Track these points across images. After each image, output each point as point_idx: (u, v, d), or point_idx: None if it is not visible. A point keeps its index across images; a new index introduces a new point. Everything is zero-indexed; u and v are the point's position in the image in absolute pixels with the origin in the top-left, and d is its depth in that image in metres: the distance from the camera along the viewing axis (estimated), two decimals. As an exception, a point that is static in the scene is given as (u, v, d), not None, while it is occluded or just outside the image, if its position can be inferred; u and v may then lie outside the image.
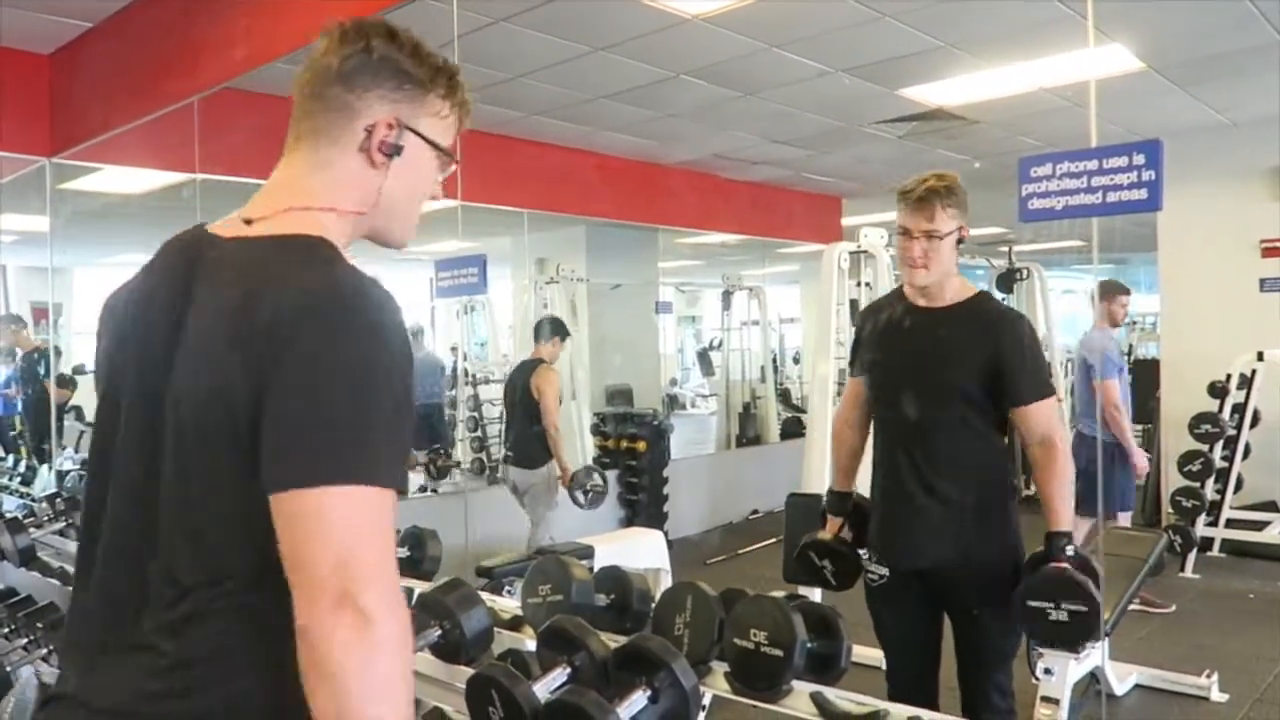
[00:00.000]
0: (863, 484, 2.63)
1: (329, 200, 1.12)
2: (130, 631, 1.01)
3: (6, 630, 2.97)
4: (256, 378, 0.95)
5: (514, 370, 5.22)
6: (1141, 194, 1.96)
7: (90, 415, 6.12)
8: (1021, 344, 2.27)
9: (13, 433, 6.14)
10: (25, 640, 2.91)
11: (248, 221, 1.10)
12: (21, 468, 5.18)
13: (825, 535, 2.58)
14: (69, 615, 1.15)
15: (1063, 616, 2.13)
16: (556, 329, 5.46)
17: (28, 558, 3.26)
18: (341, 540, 0.91)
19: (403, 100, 1.13)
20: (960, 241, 2.33)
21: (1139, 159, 1.97)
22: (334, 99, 1.12)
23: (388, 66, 1.12)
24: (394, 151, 1.13)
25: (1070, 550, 2.22)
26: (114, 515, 1.07)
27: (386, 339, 0.98)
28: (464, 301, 7.77)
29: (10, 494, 4.76)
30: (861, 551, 2.54)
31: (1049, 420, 2.29)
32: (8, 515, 3.51)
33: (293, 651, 0.93)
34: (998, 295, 7.85)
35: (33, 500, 4.31)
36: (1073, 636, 2.19)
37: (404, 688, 0.93)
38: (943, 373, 2.32)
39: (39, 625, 2.90)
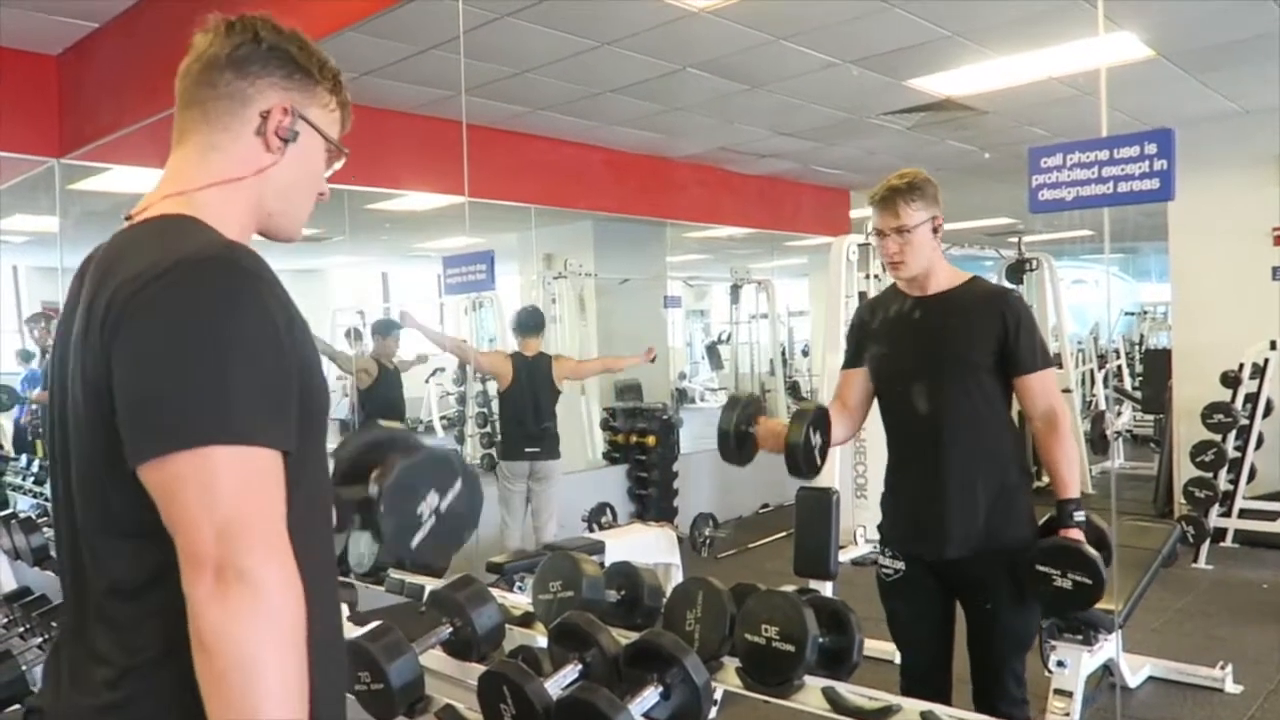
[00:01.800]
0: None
1: (207, 178, 1.11)
2: (82, 643, 1.01)
3: (21, 629, 2.99)
4: (109, 358, 0.94)
5: (519, 362, 5.20)
6: (1153, 184, 1.95)
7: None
8: (1020, 316, 2.32)
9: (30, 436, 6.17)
10: (40, 639, 2.92)
11: (128, 218, 1.11)
12: (35, 467, 5.21)
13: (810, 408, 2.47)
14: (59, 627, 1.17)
15: (1067, 584, 2.19)
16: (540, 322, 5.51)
17: (41, 556, 3.28)
18: (216, 504, 0.88)
19: (294, 89, 1.14)
20: (936, 231, 2.38)
21: (1150, 148, 1.96)
22: (225, 85, 1.11)
23: (277, 55, 1.13)
24: (291, 137, 1.13)
25: (1080, 516, 2.29)
26: (61, 528, 1.08)
27: (238, 298, 0.95)
28: (472, 298, 7.79)
29: (24, 493, 4.79)
30: (869, 546, 2.53)
31: (1050, 390, 2.34)
32: (21, 515, 3.53)
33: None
34: (1007, 286, 7.84)
35: (46, 499, 4.34)
36: (1074, 604, 2.25)
37: (292, 661, 0.89)
38: (952, 354, 2.34)
39: (53, 624, 2.92)
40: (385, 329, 6.32)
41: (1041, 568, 2.22)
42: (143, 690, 0.96)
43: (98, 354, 0.95)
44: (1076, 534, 2.27)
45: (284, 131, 1.12)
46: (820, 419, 2.42)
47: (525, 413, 5.15)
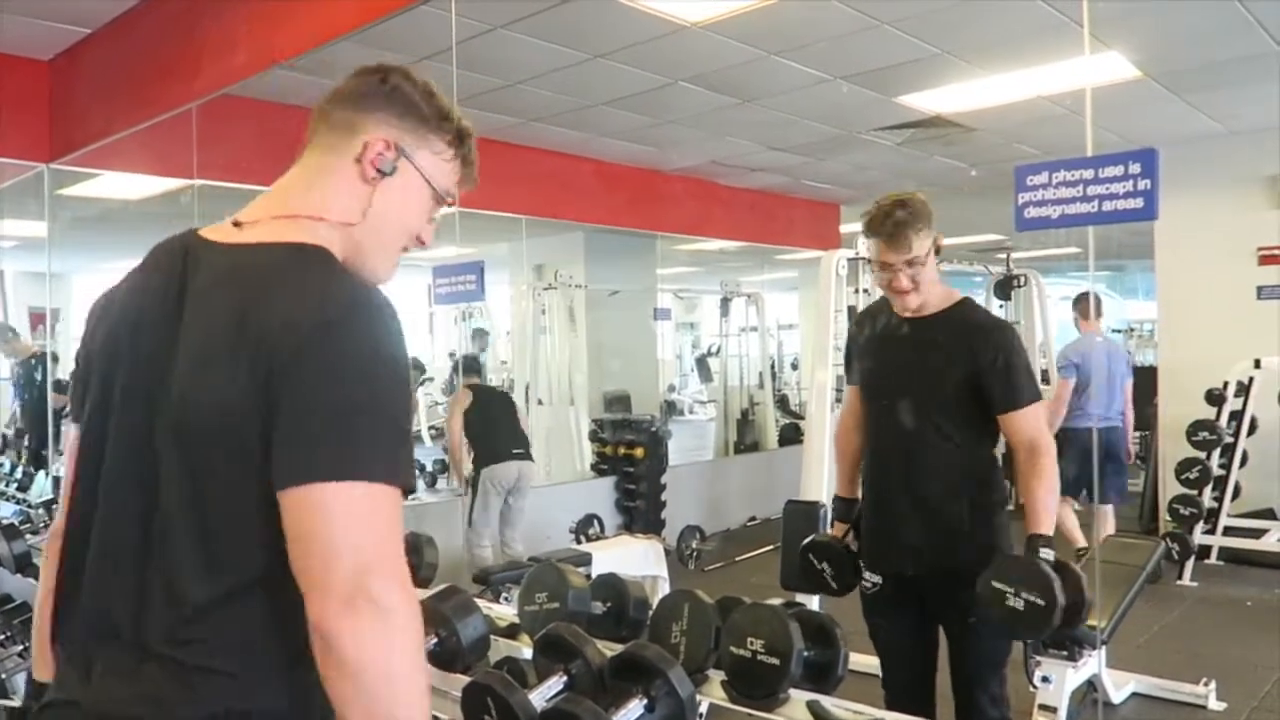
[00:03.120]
0: (825, 491, 2.64)
1: (317, 209, 1.14)
2: (129, 637, 1.01)
3: (2, 637, 2.96)
4: (264, 385, 0.97)
5: (482, 391, 5.66)
6: (1137, 203, 1.96)
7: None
8: (1007, 352, 2.27)
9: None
10: (20, 647, 2.90)
11: (237, 225, 1.13)
12: (18, 474, 5.17)
13: (826, 537, 2.58)
14: (62, 616, 1.14)
15: (1019, 604, 2.05)
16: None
17: (23, 564, 3.25)
18: (353, 535, 0.94)
19: (404, 129, 1.18)
20: (938, 252, 2.35)
21: (1135, 168, 1.98)
22: (341, 118, 1.18)
23: (397, 96, 1.18)
24: (388, 169, 1.17)
25: (1047, 554, 2.16)
26: (106, 518, 1.07)
27: (387, 343, 1.02)
28: (462, 308, 7.78)
29: (6, 500, 4.75)
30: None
31: (1034, 426, 2.28)
32: (4, 521, 3.51)
33: (305, 655, 0.95)
34: (995, 302, 7.87)
35: (28, 506, 4.31)
36: (1022, 627, 2.11)
37: (423, 677, 0.97)
38: (932, 380, 2.33)
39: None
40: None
41: (996, 584, 2.10)
42: (225, 688, 1.00)
43: (245, 376, 0.98)
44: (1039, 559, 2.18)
45: (380, 162, 1.16)
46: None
47: (499, 419, 5.39)
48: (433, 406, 8.79)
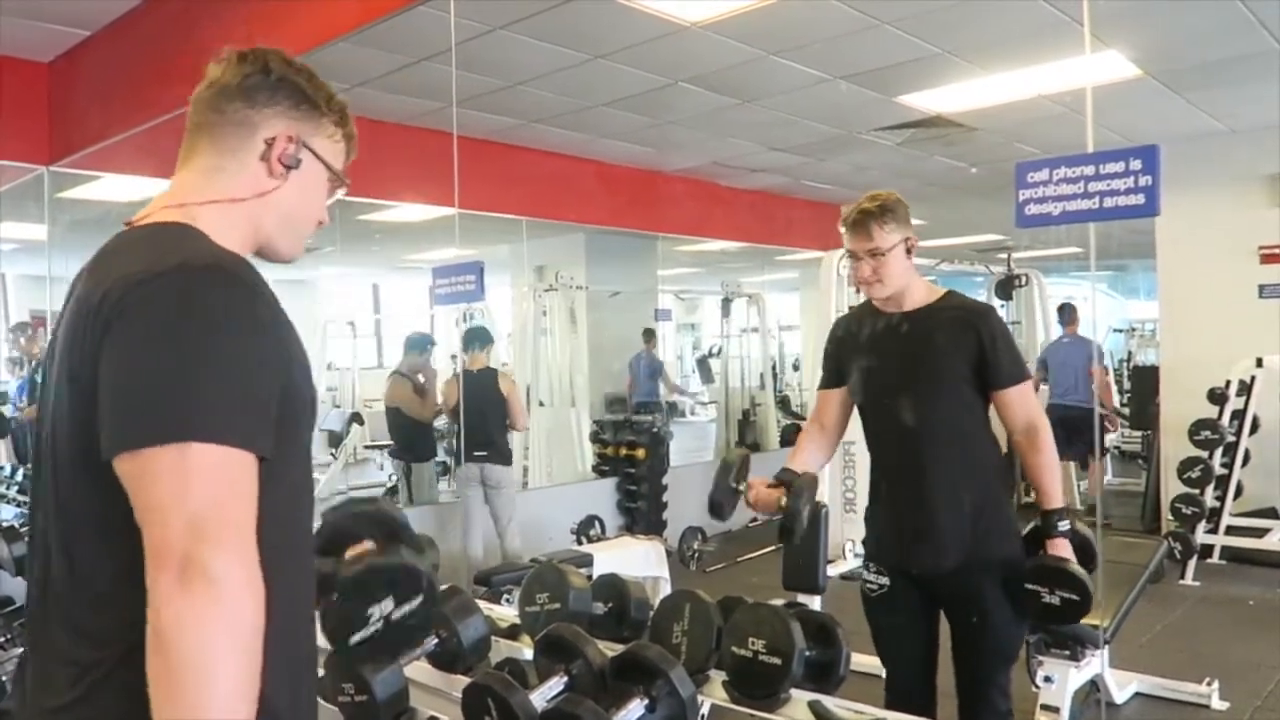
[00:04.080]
0: (825, 492, 2.62)
1: (210, 195, 1.15)
2: (46, 642, 1.02)
3: (2, 639, 2.96)
4: (94, 355, 0.96)
5: (465, 379, 5.43)
6: (1139, 199, 1.96)
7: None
8: (995, 331, 2.33)
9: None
10: (20, 651, 2.90)
11: (128, 224, 1.15)
12: (19, 475, 5.17)
13: (738, 455, 2.53)
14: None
15: (1055, 601, 2.22)
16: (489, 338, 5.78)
17: (23, 567, 3.25)
18: (189, 499, 0.89)
19: (300, 119, 1.19)
20: (909, 252, 2.39)
21: (1136, 164, 1.98)
22: (234, 113, 1.16)
23: (285, 86, 1.18)
24: (294, 164, 1.18)
25: (1064, 525, 2.31)
26: (32, 523, 1.11)
27: (228, 306, 0.99)
28: (463, 309, 7.77)
29: (7, 502, 4.75)
30: (857, 561, 2.53)
31: (1029, 403, 2.35)
32: (4, 524, 3.51)
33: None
34: (996, 302, 7.87)
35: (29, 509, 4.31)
36: (1064, 619, 2.28)
37: (246, 662, 0.89)
38: (933, 369, 2.34)
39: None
40: (421, 345, 6.23)
41: (1031, 586, 2.25)
42: (104, 687, 0.97)
43: (86, 350, 0.98)
44: (1062, 544, 2.29)
45: (287, 159, 1.17)
46: (811, 487, 2.41)
47: (472, 424, 5.35)
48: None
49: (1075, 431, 6.12)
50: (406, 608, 1.39)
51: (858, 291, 5.29)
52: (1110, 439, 9.46)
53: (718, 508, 2.48)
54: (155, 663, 0.87)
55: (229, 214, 1.14)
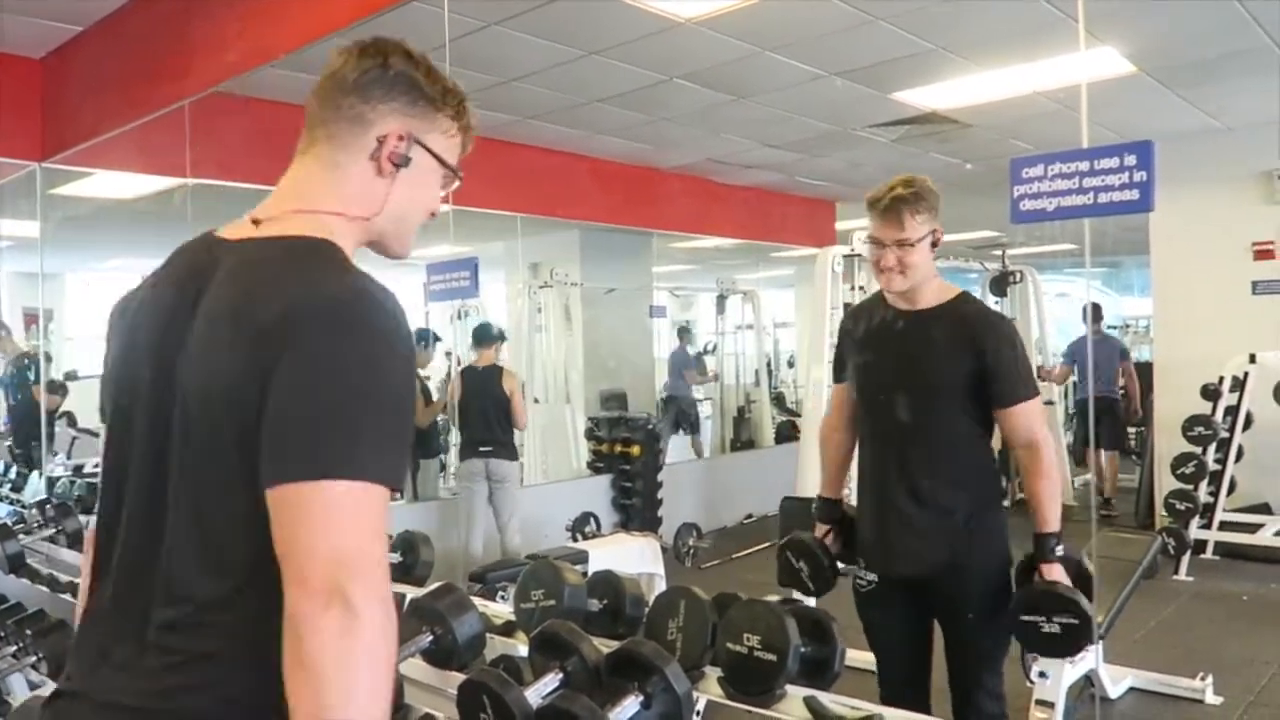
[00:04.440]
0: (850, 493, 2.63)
1: (336, 204, 1.15)
2: (138, 630, 1.03)
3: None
4: (260, 377, 0.96)
5: (470, 375, 5.50)
6: (1133, 195, 1.96)
7: (82, 421, 6.06)
8: (1005, 346, 2.26)
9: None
10: (14, 648, 2.89)
11: (255, 222, 1.13)
12: (12, 474, 5.15)
13: (805, 536, 2.57)
14: (81, 618, 1.16)
15: (1055, 629, 2.16)
16: (501, 335, 5.83)
17: (17, 564, 3.24)
18: (336, 533, 0.92)
19: (415, 115, 1.18)
20: (935, 245, 2.31)
21: (1130, 159, 1.97)
22: (348, 109, 1.15)
23: (402, 82, 1.17)
24: (403, 162, 1.17)
25: (1059, 550, 2.24)
26: (129, 519, 1.09)
27: (390, 342, 1.00)
28: (458, 306, 7.77)
29: (0, 500, 4.73)
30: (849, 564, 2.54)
31: (1032, 421, 2.27)
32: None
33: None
34: (991, 299, 7.88)
35: (23, 507, 4.29)
36: (1065, 648, 2.22)
37: (383, 687, 0.93)
38: (930, 375, 2.30)
39: (28, 632, 2.88)
40: (424, 339, 6.27)
41: (1026, 618, 2.19)
42: (216, 678, 1.00)
43: (244, 369, 0.98)
44: (1056, 569, 2.23)
45: (396, 157, 1.16)
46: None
47: (475, 419, 5.41)
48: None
49: (1113, 418, 7.35)
50: None
51: (852, 289, 5.31)
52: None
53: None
54: (297, 677, 0.91)
55: (353, 226, 1.16)
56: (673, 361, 9.19)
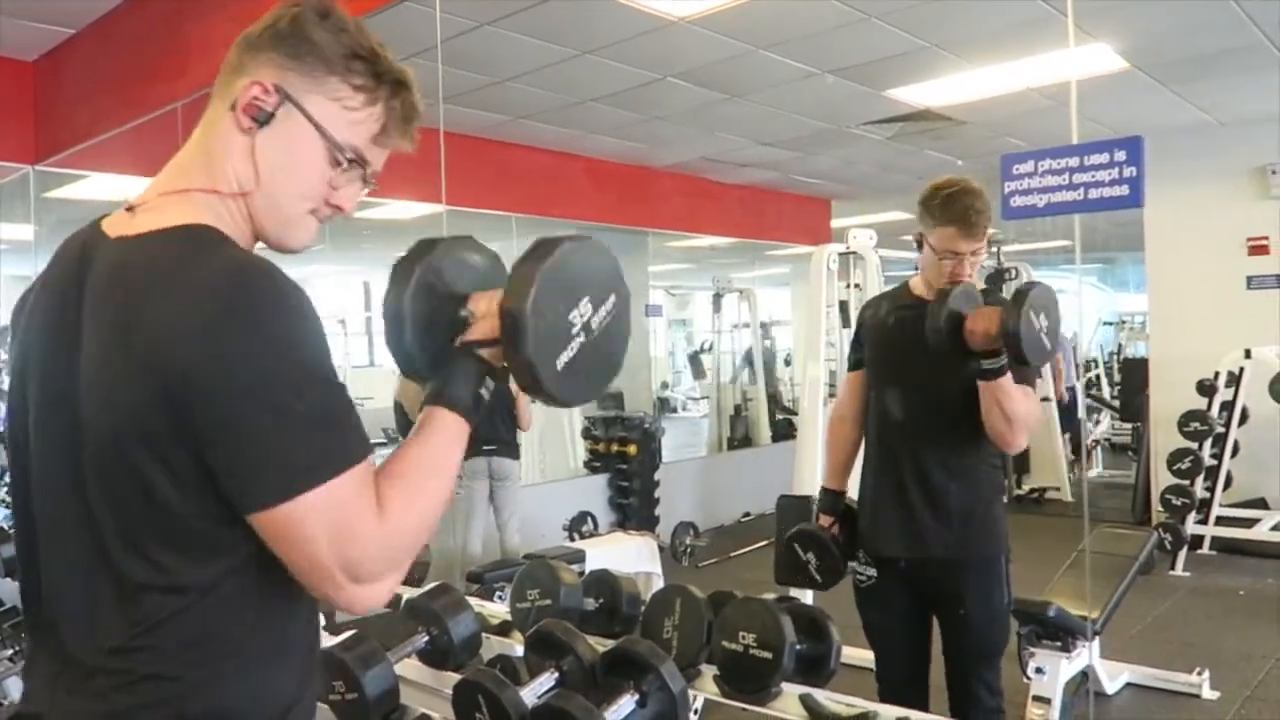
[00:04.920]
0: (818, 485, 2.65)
1: (205, 178, 1.02)
2: (82, 653, 0.99)
3: (-8, 640, 2.95)
4: (167, 398, 0.89)
5: None
6: (1123, 190, 1.97)
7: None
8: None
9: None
10: (10, 651, 2.89)
11: (130, 210, 1.02)
12: (7, 477, 5.14)
13: (813, 527, 2.58)
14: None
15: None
16: None
17: (12, 568, 3.23)
18: (328, 539, 0.92)
19: (294, 69, 1.01)
20: None
21: (1120, 155, 1.98)
22: (232, 60, 1.04)
23: (293, 34, 1.01)
24: (262, 117, 1.01)
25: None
26: (48, 543, 1.03)
27: (289, 312, 0.92)
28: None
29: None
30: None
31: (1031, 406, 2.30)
32: (-7, 525, 3.49)
33: (251, 651, 0.97)
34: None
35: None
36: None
37: (427, 523, 1.01)
38: (945, 364, 2.31)
39: (24, 636, 2.88)
40: None
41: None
42: (167, 694, 0.97)
43: (148, 398, 0.90)
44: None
45: (252, 109, 1.01)
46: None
47: (480, 418, 5.30)
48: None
49: None
50: (604, 309, 1.11)
51: (848, 287, 5.29)
52: (1102, 430, 9.55)
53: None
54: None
55: (231, 206, 1.03)
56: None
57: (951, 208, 2.25)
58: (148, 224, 0.99)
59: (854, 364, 2.60)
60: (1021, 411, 2.20)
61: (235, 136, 1.02)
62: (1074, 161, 2.03)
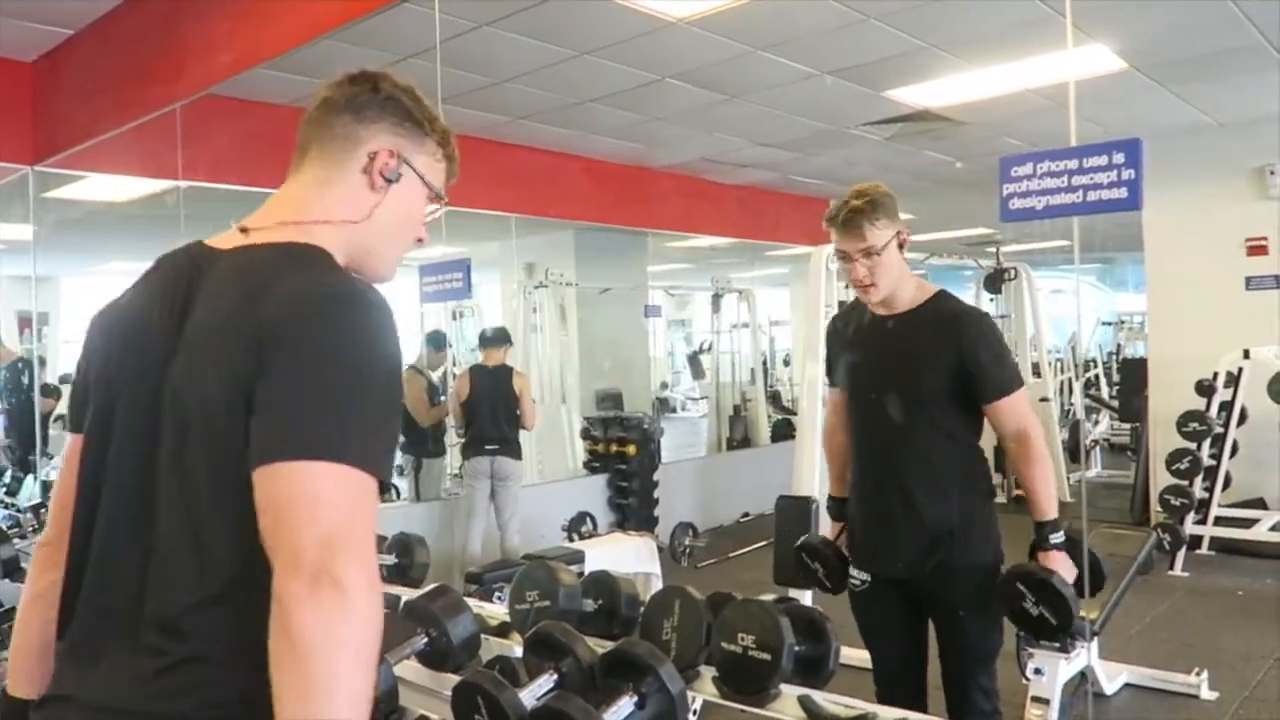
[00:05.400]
0: (816, 486, 2.66)
1: (321, 215, 1.18)
2: (127, 634, 1.03)
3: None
4: (255, 376, 0.99)
5: (480, 373, 5.54)
6: (1121, 193, 1.96)
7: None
8: (984, 341, 2.26)
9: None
10: (8, 651, 2.88)
11: (244, 230, 1.16)
12: (7, 478, 5.14)
13: (817, 538, 2.59)
14: (61, 616, 1.14)
15: (1033, 610, 2.17)
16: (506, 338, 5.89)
17: (11, 568, 3.24)
18: (326, 514, 0.94)
19: (404, 135, 1.23)
20: (902, 246, 2.32)
21: (1118, 158, 1.98)
22: (341, 127, 1.21)
23: (393, 104, 1.22)
24: (394, 177, 1.22)
25: (1058, 538, 2.23)
26: (109, 525, 1.09)
27: (379, 338, 1.04)
28: (452, 307, 7.77)
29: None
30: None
31: (1020, 413, 2.28)
32: (-8, 525, 3.48)
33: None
34: (985, 296, 7.89)
35: (18, 511, 4.29)
36: (1039, 632, 2.25)
37: (368, 672, 0.94)
38: (914, 377, 2.30)
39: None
40: (439, 342, 6.47)
41: (1020, 586, 2.19)
42: (212, 678, 1.01)
43: (240, 371, 1.00)
44: (1056, 557, 2.22)
45: (388, 171, 1.21)
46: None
47: (484, 417, 5.44)
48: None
49: None
50: None
51: (847, 287, 5.29)
52: (1100, 430, 9.55)
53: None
54: (286, 661, 0.91)
55: (340, 234, 1.19)
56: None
57: (832, 213, 2.33)
58: (263, 239, 1.15)
59: (830, 380, 2.62)
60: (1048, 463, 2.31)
61: (365, 194, 1.21)
62: (1072, 164, 2.02)
